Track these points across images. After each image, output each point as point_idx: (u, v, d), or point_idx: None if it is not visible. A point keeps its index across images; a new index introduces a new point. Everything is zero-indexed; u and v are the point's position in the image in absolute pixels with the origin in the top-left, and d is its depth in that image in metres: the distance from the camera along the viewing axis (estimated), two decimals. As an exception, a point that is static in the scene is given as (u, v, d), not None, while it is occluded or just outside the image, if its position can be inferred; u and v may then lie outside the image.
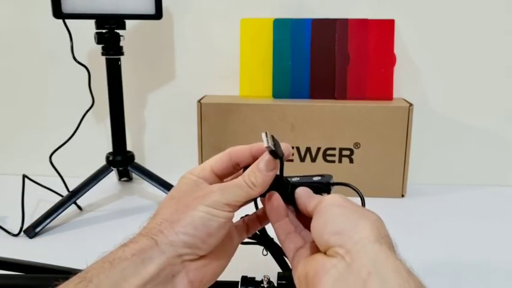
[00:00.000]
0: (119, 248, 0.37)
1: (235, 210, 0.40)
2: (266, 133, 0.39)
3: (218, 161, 0.43)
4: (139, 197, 0.92)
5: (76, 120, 0.82)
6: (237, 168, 0.43)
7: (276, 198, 0.42)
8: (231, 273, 0.47)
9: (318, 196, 0.41)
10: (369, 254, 0.33)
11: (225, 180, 0.44)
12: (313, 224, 0.38)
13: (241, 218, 0.46)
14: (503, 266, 0.65)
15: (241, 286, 0.49)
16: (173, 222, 0.38)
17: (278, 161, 0.40)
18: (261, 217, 0.46)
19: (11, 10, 0.94)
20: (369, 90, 0.91)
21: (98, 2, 0.74)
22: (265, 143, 0.39)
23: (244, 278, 0.50)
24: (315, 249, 0.39)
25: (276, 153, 0.40)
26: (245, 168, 0.42)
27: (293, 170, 0.88)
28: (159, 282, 0.36)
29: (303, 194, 0.42)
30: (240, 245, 0.45)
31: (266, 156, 0.40)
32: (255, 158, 0.43)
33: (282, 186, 0.42)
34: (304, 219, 0.42)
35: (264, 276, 0.50)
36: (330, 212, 0.37)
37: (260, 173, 0.40)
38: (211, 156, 0.43)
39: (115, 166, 0.85)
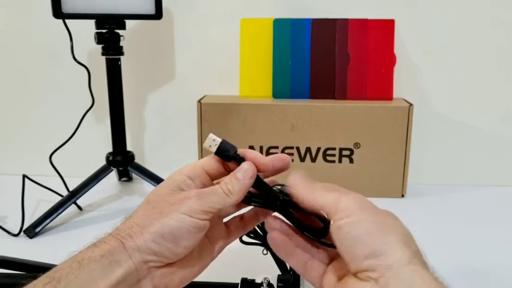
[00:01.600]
0: (89, 248, 0.36)
1: (209, 218, 0.38)
2: (211, 134, 0.40)
3: (208, 160, 0.42)
4: (139, 197, 0.92)
5: (76, 120, 0.82)
6: (228, 170, 0.42)
7: (277, 235, 0.41)
8: (231, 275, 0.47)
9: (326, 193, 0.39)
10: (404, 278, 0.33)
11: (215, 182, 0.43)
12: (341, 244, 0.36)
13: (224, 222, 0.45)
14: (503, 266, 0.65)
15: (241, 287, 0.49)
16: (143, 228, 0.37)
17: (254, 170, 0.40)
18: (245, 220, 0.45)
19: (11, 10, 0.94)
20: (369, 90, 0.91)
21: (98, 2, 0.74)
22: (205, 144, 0.39)
23: (244, 280, 0.50)
24: (343, 270, 0.37)
25: (223, 154, 0.39)
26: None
27: (293, 170, 0.88)
28: (126, 285, 0.36)
29: (299, 184, 0.40)
30: (240, 246, 0.44)
31: (245, 165, 0.40)
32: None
33: (269, 198, 0.41)
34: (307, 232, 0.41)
35: (264, 279, 0.50)
36: (358, 230, 0.35)
37: (237, 181, 0.39)
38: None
39: (115, 166, 0.85)
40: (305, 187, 0.40)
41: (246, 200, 0.41)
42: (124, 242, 0.37)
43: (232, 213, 0.45)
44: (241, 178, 0.40)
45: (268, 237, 0.41)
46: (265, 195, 0.42)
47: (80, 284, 0.34)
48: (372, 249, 0.34)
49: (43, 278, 0.34)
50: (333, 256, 0.41)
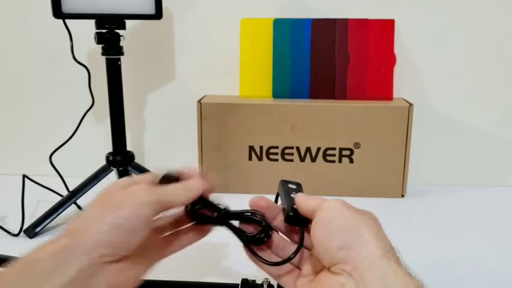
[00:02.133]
0: (37, 250, 0.35)
1: (159, 212, 0.39)
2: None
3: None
4: (139, 197, 0.92)
5: (76, 120, 0.82)
6: None
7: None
8: (232, 275, 0.47)
9: (315, 198, 0.41)
10: (378, 271, 0.33)
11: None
12: (317, 237, 0.37)
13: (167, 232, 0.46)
14: (504, 266, 0.65)
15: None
16: (97, 220, 0.37)
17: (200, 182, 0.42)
18: (182, 235, 0.45)
19: (11, 10, 0.94)
20: (369, 90, 0.91)
21: (98, 2, 0.74)
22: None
23: (244, 280, 0.50)
24: (317, 267, 0.38)
25: (165, 178, 0.42)
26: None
27: (293, 170, 0.89)
28: (77, 284, 0.35)
29: (301, 197, 0.42)
30: (240, 247, 0.44)
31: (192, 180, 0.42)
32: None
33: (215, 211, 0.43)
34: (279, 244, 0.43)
35: (265, 279, 0.50)
36: (334, 223, 0.36)
37: (189, 183, 0.42)
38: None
39: (115, 166, 0.85)
40: (304, 199, 0.42)
41: (192, 215, 0.43)
42: (77, 237, 0.36)
43: (169, 230, 0.45)
44: (192, 184, 0.42)
45: (252, 200, 0.43)
46: (210, 209, 0.44)
47: None
48: (345, 241, 0.35)
49: None
50: (306, 259, 0.42)
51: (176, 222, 0.45)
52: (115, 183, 0.42)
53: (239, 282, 0.50)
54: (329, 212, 0.38)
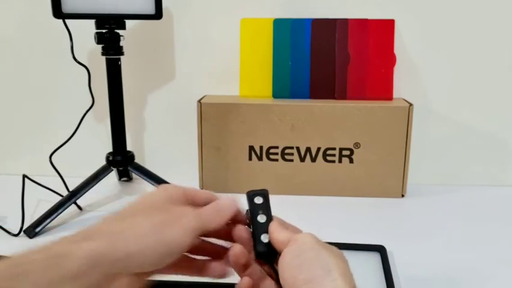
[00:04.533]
0: (68, 242, 0.35)
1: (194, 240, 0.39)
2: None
3: (193, 190, 0.43)
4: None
5: (76, 120, 0.82)
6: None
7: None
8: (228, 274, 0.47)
9: (286, 230, 0.41)
10: None
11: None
12: (285, 268, 0.37)
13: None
14: (503, 267, 0.65)
15: None
16: (139, 233, 0.36)
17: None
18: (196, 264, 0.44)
19: (11, 10, 0.94)
20: (369, 90, 0.91)
21: (98, 2, 0.74)
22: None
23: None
24: None
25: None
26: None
27: (293, 169, 0.89)
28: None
29: (276, 227, 0.42)
30: None
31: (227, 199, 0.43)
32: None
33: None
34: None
35: None
36: (304, 255, 0.37)
37: (225, 203, 0.42)
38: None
39: (115, 166, 0.85)
40: (275, 231, 0.42)
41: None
42: (113, 243, 0.36)
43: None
44: (226, 206, 0.42)
45: (233, 250, 0.42)
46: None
47: (48, 284, 0.32)
48: (314, 274, 0.35)
49: (6, 269, 0.33)
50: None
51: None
52: (164, 192, 0.41)
53: (236, 282, 0.50)
54: (300, 245, 0.38)
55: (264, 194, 0.45)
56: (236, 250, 0.41)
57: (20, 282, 0.31)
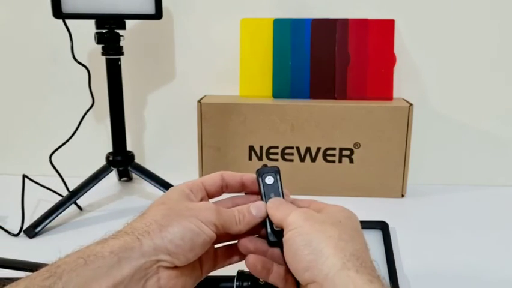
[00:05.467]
0: (98, 243, 0.36)
1: (218, 234, 0.40)
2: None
3: (210, 178, 0.45)
4: (139, 197, 0.92)
5: (76, 120, 0.82)
6: (224, 191, 0.45)
7: (256, 260, 0.42)
8: (228, 267, 0.47)
9: (282, 209, 0.41)
10: (339, 285, 0.33)
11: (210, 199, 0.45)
12: (286, 258, 0.38)
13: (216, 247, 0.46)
14: (503, 267, 0.65)
15: (237, 281, 0.49)
16: (162, 226, 0.37)
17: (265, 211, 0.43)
18: (233, 251, 0.46)
19: (11, 10, 0.94)
20: (369, 90, 0.91)
21: (98, 2, 0.74)
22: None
23: (240, 272, 0.50)
24: None
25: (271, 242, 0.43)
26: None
27: (293, 169, 0.89)
28: (131, 284, 0.35)
29: (272, 206, 0.43)
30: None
31: (260, 203, 0.43)
32: (244, 186, 0.45)
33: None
34: None
35: None
36: (296, 243, 0.37)
37: (249, 215, 0.42)
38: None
39: (115, 166, 0.85)
40: (274, 207, 0.43)
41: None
42: (140, 239, 0.36)
43: (226, 241, 0.46)
44: (254, 214, 0.42)
45: (247, 263, 0.43)
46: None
47: (81, 282, 0.33)
48: (308, 260, 0.35)
49: (43, 272, 0.33)
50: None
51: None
52: (182, 190, 0.42)
53: (235, 274, 0.50)
54: (292, 231, 0.38)
55: (275, 172, 0.45)
56: (251, 261, 0.42)
57: (55, 283, 0.32)
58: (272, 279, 0.43)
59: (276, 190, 0.44)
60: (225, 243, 0.46)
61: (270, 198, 0.44)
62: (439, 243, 0.71)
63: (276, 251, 0.43)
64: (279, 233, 0.42)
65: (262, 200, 0.44)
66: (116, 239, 0.36)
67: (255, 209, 0.43)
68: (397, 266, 0.59)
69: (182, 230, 0.37)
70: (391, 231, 0.57)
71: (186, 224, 0.38)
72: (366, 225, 0.65)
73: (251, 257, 0.42)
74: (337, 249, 0.35)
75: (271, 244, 0.43)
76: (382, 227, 0.66)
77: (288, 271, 0.41)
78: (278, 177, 0.45)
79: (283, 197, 0.44)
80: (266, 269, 0.42)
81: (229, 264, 0.46)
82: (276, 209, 0.42)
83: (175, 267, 0.38)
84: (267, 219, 0.43)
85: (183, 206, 0.40)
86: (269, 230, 0.43)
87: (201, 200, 0.43)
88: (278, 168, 0.45)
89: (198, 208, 0.40)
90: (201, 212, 0.39)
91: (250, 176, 0.45)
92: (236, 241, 0.45)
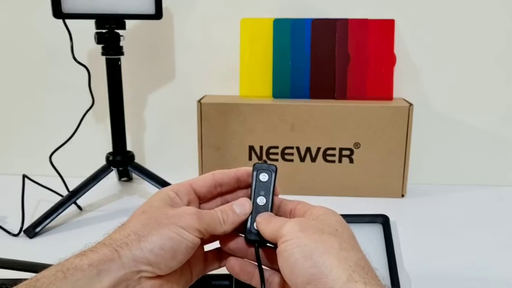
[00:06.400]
0: (77, 256, 0.35)
1: (201, 237, 0.39)
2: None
3: (200, 180, 0.43)
4: (139, 197, 0.92)
5: (76, 120, 0.82)
6: (218, 191, 0.44)
7: (235, 262, 0.42)
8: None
9: (274, 222, 0.40)
10: None
11: (202, 206, 0.44)
12: (283, 271, 0.36)
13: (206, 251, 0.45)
14: (503, 267, 0.65)
15: (235, 278, 0.49)
16: (141, 237, 0.37)
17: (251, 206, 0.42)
18: (222, 254, 0.45)
19: (11, 10, 0.94)
20: (369, 90, 0.91)
21: (98, 2, 0.74)
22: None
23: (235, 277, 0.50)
24: None
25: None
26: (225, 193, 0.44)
27: (293, 170, 0.89)
28: None
29: (261, 220, 0.41)
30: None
31: (243, 200, 0.42)
32: (239, 181, 0.44)
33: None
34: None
35: None
36: (293, 256, 0.35)
37: (233, 214, 0.41)
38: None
39: (115, 166, 0.85)
40: (264, 222, 0.41)
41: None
42: (118, 251, 0.36)
43: (215, 241, 0.45)
44: (237, 212, 0.41)
45: (227, 266, 0.42)
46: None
47: None
48: (310, 274, 0.34)
49: (22, 286, 0.33)
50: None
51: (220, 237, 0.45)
52: (166, 195, 0.41)
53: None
54: (287, 242, 0.36)
55: (271, 171, 0.44)
56: (230, 263, 0.42)
57: None
58: (255, 283, 0.42)
59: (268, 189, 0.43)
60: (215, 248, 0.45)
61: (259, 195, 0.43)
62: (439, 242, 0.72)
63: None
64: (258, 234, 0.42)
65: (250, 195, 0.43)
66: (95, 251, 0.36)
67: (238, 207, 0.42)
68: (397, 261, 0.59)
69: (161, 239, 0.37)
70: (391, 225, 0.56)
71: (165, 232, 0.37)
72: (366, 219, 0.65)
73: (231, 260, 0.42)
74: (340, 260, 0.34)
75: (249, 242, 0.42)
76: (383, 221, 0.65)
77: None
78: (273, 176, 0.44)
79: (272, 197, 0.43)
80: (246, 272, 0.42)
81: (220, 267, 0.45)
82: (267, 224, 0.40)
83: (158, 277, 0.37)
84: (250, 217, 0.42)
85: (163, 214, 0.39)
86: (248, 226, 0.42)
87: (188, 203, 0.42)
88: (276, 167, 0.44)
89: (178, 215, 0.38)
90: (181, 219, 0.38)
91: (245, 170, 0.44)
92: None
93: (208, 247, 0.45)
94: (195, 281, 0.43)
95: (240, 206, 0.42)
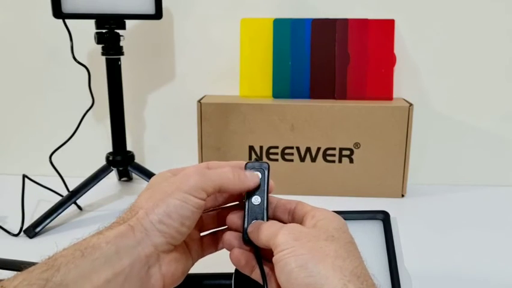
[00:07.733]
0: (94, 236, 0.36)
1: (209, 195, 0.39)
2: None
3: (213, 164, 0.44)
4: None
5: (76, 120, 0.82)
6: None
7: (239, 254, 0.42)
8: (226, 264, 0.47)
9: (266, 230, 0.39)
10: None
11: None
12: (279, 280, 0.36)
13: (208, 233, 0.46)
14: (503, 267, 0.65)
15: (235, 277, 0.49)
16: (148, 210, 0.37)
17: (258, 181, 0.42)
18: (218, 238, 0.45)
19: (11, 10, 0.94)
20: (369, 90, 0.91)
21: (98, 2, 0.74)
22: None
23: (238, 270, 0.50)
24: None
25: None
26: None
27: (293, 170, 0.89)
28: (132, 274, 0.35)
29: (253, 230, 0.41)
30: None
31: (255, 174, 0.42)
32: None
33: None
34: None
35: None
36: (288, 265, 0.34)
37: (244, 174, 0.41)
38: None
39: (115, 166, 0.85)
40: (255, 231, 0.40)
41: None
42: (132, 226, 0.36)
43: (210, 229, 0.46)
44: (249, 176, 0.41)
45: (232, 257, 0.42)
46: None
47: (80, 274, 0.33)
48: (305, 283, 0.33)
49: (41, 265, 0.33)
50: None
51: (219, 220, 0.45)
52: (164, 174, 0.42)
53: (233, 271, 0.50)
54: (282, 252, 0.35)
55: (264, 169, 0.42)
56: (235, 255, 0.42)
57: (53, 275, 0.32)
58: (256, 276, 0.42)
59: (261, 187, 0.42)
60: (210, 231, 0.46)
61: (254, 195, 0.42)
62: (439, 242, 0.72)
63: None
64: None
65: (243, 196, 0.42)
66: (111, 229, 0.36)
67: (249, 173, 0.42)
68: (397, 257, 0.58)
69: (167, 208, 0.37)
70: (392, 221, 0.56)
71: (170, 200, 0.37)
72: (366, 215, 0.64)
73: (236, 251, 0.42)
74: (335, 269, 0.33)
75: (246, 242, 0.41)
76: (383, 217, 0.65)
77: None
78: (266, 173, 0.42)
79: (267, 198, 0.42)
80: (250, 266, 0.41)
81: (216, 250, 0.45)
82: (259, 233, 0.39)
83: (173, 250, 0.38)
84: (246, 215, 0.41)
85: (166, 182, 0.39)
86: (245, 226, 0.41)
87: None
88: (268, 165, 0.42)
89: (179, 179, 0.39)
90: (183, 182, 0.38)
91: (237, 164, 0.43)
92: (220, 228, 0.45)
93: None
94: (194, 264, 0.44)
95: (251, 174, 0.42)
